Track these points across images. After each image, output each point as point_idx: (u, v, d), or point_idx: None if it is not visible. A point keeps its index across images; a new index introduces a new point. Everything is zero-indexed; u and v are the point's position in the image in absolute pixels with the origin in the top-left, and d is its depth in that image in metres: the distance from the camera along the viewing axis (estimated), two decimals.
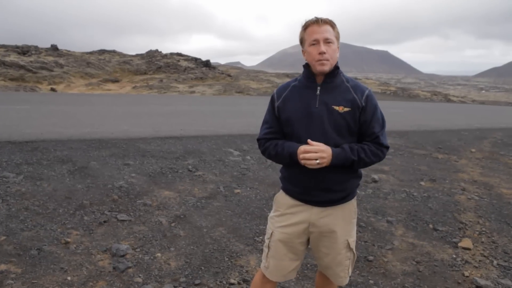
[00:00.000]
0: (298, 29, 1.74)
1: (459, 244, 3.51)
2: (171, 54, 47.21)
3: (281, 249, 1.82)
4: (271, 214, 1.93)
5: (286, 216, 1.83)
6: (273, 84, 40.60)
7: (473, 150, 9.01)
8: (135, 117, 11.37)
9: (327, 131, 1.65)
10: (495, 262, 3.22)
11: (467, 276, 2.95)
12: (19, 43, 38.54)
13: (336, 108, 1.66)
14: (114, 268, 2.77)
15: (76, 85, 32.45)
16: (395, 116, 16.48)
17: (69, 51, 41.27)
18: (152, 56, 44.93)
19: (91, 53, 43.25)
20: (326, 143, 1.63)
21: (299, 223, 1.79)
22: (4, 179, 4.54)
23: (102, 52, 44.75)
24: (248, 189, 4.90)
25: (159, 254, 3.03)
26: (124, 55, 45.01)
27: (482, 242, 3.64)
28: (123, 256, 2.95)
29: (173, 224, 3.64)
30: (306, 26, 1.68)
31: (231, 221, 3.82)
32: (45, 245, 3.04)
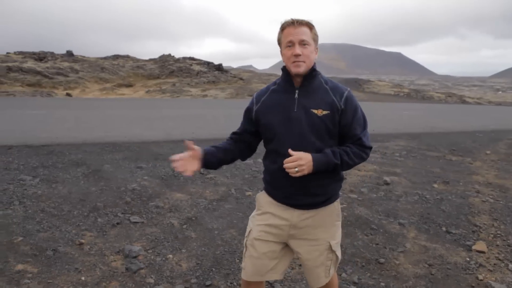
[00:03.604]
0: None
1: (473, 247, 3.45)
2: (184, 58, 47.71)
3: (258, 247, 1.76)
4: (253, 213, 1.90)
5: (267, 215, 1.80)
6: None
7: (488, 152, 8.84)
8: (148, 121, 11.51)
9: (306, 135, 1.62)
10: (510, 265, 3.15)
11: (481, 280, 2.90)
12: (36, 50, 39.50)
13: (315, 111, 1.62)
14: (126, 269, 2.81)
15: (91, 90, 33.05)
16: (407, 118, 16.28)
17: (84, 56, 42.12)
18: (165, 60, 45.47)
19: (105, 58, 44.02)
20: (305, 147, 1.60)
21: (280, 224, 1.76)
22: (21, 182, 4.67)
23: (116, 57, 45.50)
24: (259, 191, 4.91)
25: (170, 256, 3.07)
26: (138, 60, 45.66)
27: (497, 245, 3.57)
28: (135, 257, 2.99)
29: (184, 226, 3.68)
30: (283, 28, 1.63)
31: (242, 223, 3.84)
32: (60, 246, 3.11)
